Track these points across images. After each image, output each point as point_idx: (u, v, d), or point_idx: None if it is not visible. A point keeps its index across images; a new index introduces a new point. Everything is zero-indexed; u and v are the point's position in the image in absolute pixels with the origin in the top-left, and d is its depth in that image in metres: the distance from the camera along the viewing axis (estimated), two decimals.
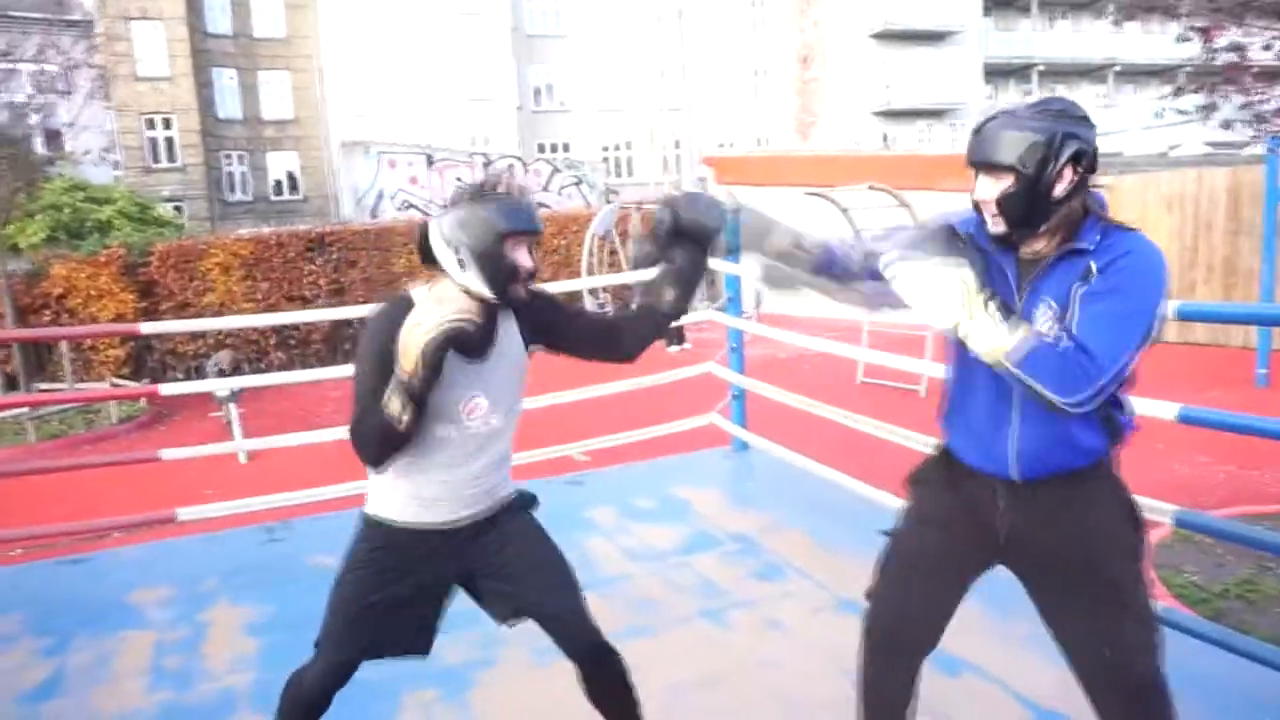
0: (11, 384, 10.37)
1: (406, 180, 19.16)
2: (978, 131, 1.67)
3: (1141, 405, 2.47)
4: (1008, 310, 1.59)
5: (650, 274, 2.04)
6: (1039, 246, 1.68)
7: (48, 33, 10.91)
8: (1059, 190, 1.60)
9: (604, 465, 5.22)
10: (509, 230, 1.79)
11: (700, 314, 5.76)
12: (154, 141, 25.54)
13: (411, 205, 18.85)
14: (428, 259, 1.87)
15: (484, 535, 1.97)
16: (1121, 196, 11.03)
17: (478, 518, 1.96)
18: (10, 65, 10.64)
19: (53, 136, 12.51)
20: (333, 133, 26.48)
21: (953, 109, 30.19)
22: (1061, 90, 32.28)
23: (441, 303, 1.68)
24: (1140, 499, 2.75)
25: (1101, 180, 11.21)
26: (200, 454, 4.28)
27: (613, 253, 13.94)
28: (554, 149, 29.21)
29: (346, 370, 5.82)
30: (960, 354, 1.74)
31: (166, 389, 4.20)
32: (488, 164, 19.74)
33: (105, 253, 11.32)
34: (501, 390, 1.91)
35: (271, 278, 12.31)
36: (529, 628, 2.92)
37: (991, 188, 1.64)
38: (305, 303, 12.33)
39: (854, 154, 18.23)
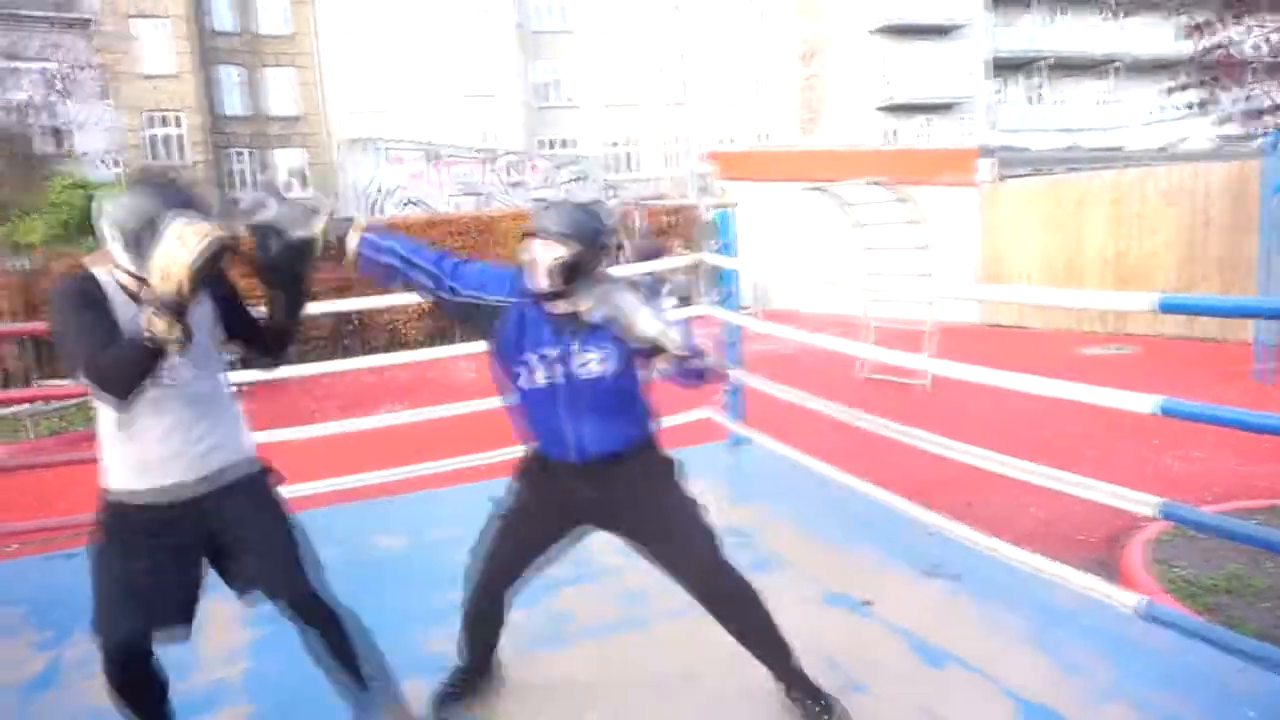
0: (8, 382, 10.42)
1: (409, 176, 19.18)
2: (548, 209, 2.21)
3: (1122, 399, 2.49)
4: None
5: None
6: (563, 305, 2.19)
7: (50, 32, 10.92)
8: (596, 265, 2.18)
9: None
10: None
11: (697, 309, 5.77)
12: (163, 139, 25.60)
13: (413, 201, 18.87)
14: (91, 226, 2.01)
15: (219, 507, 2.07)
16: (1123, 191, 11.01)
17: (207, 485, 2.06)
18: (13, 65, 10.68)
19: (57, 135, 12.54)
20: (336, 129, 26.52)
21: (958, 103, 30.14)
22: (1066, 84, 32.19)
23: (187, 234, 1.76)
24: (1132, 493, 2.77)
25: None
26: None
27: (618, 247, 13.97)
28: (561, 144, 29.21)
29: (349, 364, 5.75)
30: (519, 387, 2.26)
31: None
32: (492, 160, 19.73)
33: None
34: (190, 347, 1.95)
35: None
36: (521, 623, 2.94)
37: (548, 251, 2.14)
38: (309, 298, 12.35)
39: (855, 149, 18.22)
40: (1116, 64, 31.33)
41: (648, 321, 2.05)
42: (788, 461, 4.43)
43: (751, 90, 30.94)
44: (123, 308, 1.92)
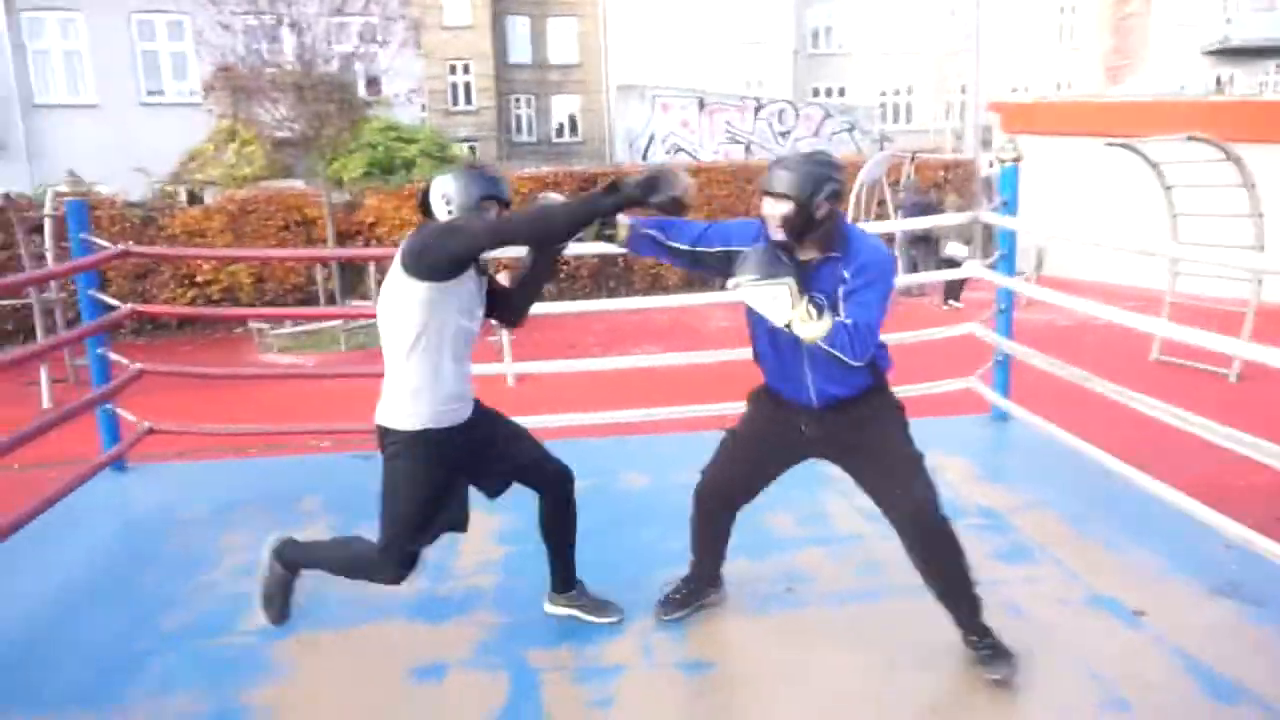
0: (331, 300, 11.93)
1: (678, 124, 19.45)
2: (771, 169, 2.37)
3: None
4: (819, 306, 2.26)
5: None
6: (809, 253, 2.38)
7: None
8: (819, 214, 2.30)
9: None
10: (485, 194, 2.44)
11: (968, 270, 5.38)
12: (454, 86, 27.88)
13: (681, 149, 19.13)
14: (424, 208, 2.48)
15: (477, 429, 2.57)
16: None
17: (473, 413, 2.56)
18: (342, 19, 11.99)
19: (371, 82, 13.96)
20: (611, 77, 27.43)
21: None
22: None
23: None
24: None
25: None
26: (474, 373, 4.66)
27: (880, 202, 13.32)
28: (829, 93, 28.32)
29: (613, 304, 5.99)
30: (765, 325, 2.36)
31: None
32: (759, 108, 19.51)
33: (409, 187, 12.60)
34: (481, 301, 2.53)
35: None
36: (755, 574, 2.93)
37: (775, 208, 2.32)
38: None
39: (1171, 99, 15.94)
40: None
41: (742, 287, 2.27)
42: (1055, 443, 4.05)
43: (1053, 34, 28.03)
44: None
